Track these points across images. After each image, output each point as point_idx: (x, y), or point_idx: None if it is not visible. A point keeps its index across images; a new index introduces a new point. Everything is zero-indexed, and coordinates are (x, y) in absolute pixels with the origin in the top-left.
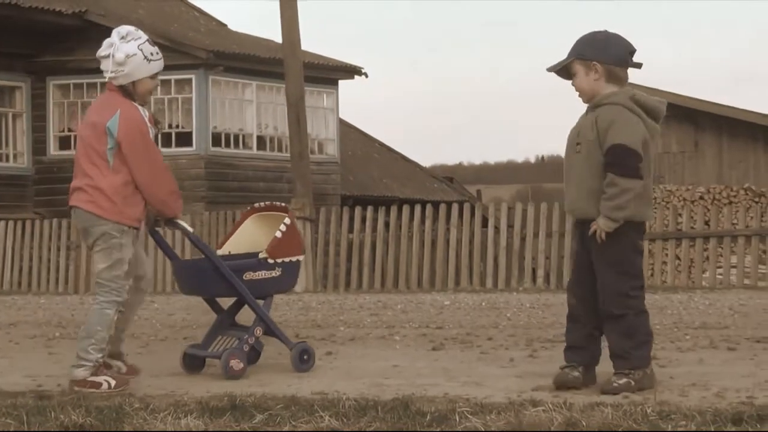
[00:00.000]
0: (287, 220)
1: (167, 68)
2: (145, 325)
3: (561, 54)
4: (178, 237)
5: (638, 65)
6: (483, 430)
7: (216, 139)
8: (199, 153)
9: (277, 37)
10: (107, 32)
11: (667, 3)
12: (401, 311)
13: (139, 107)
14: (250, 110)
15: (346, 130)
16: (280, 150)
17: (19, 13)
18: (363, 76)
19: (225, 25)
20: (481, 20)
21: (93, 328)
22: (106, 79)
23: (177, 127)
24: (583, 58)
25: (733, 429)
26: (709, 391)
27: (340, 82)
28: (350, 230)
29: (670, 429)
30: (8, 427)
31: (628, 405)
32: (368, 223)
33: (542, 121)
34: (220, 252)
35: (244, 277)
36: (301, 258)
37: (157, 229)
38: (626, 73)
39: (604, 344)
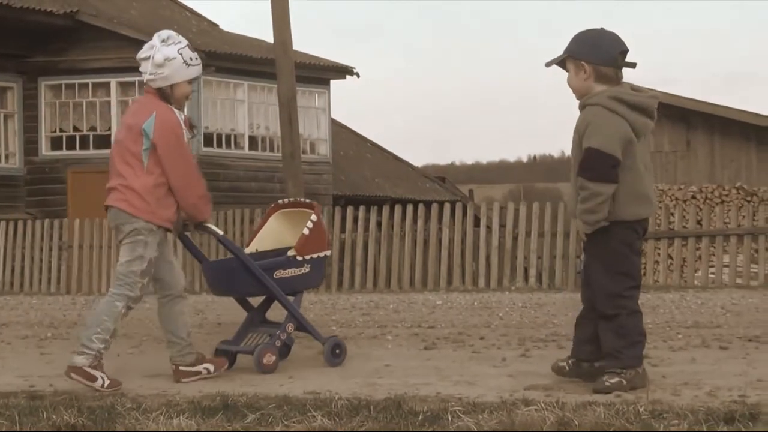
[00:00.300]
0: (314, 217)
1: None
2: (137, 325)
3: (554, 53)
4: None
5: (631, 65)
6: (475, 429)
7: (208, 139)
8: (192, 153)
9: (269, 37)
10: (99, 33)
11: (661, 3)
12: (393, 311)
13: (175, 110)
14: (242, 110)
15: (338, 129)
16: (271, 150)
17: (11, 13)
18: (355, 76)
19: (217, 26)
20: (473, 19)
21: (100, 317)
22: (145, 81)
23: None
24: (573, 57)
25: (726, 428)
26: (701, 390)
27: (332, 82)
28: (342, 230)
29: (662, 428)
30: (0, 427)
31: (620, 404)
32: (360, 222)
33: (534, 121)
34: (247, 250)
35: (274, 276)
36: (328, 253)
37: (186, 233)
38: (617, 72)
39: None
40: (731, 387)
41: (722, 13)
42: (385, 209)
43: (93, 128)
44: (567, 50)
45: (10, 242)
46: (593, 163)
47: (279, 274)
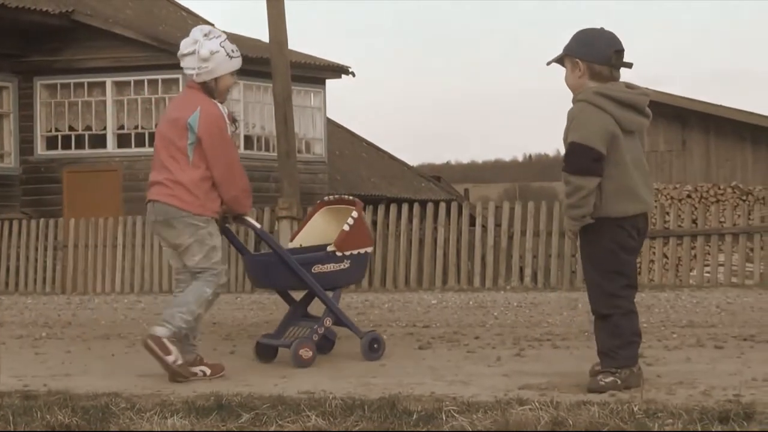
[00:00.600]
0: (355, 214)
1: (154, 68)
2: (131, 325)
3: (549, 52)
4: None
5: (626, 65)
6: (469, 429)
7: None
8: None
9: (264, 37)
10: (94, 32)
11: (656, 2)
12: (388, 310)
13: (219, 104)
14: (238, 109)
15: (334, 129)
16: (267, 149)
17: (6, 13)
18: (350, 76)
19: (212, 25)
20: (468, 19)
21: (187, 298)
22: (189, 76)
23: None
24: (569, 55)
25: (720, 427)
26: (696, 389)
27: (328, 81)
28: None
29: (656, 427)
30: None
31: (614, 403)
32: None
33: (530, 120)
34: (291, 245)
35: (313, 270)
36: (369, 250)
37: (226, 225)
38: (611, 71)
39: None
40: (726, 386)
41: (715, 11)
42: (381, 208)
43: (88, 128)
44: (565, 48)
45: (5, 242)
46: (575, 156)
47: (317, 269)
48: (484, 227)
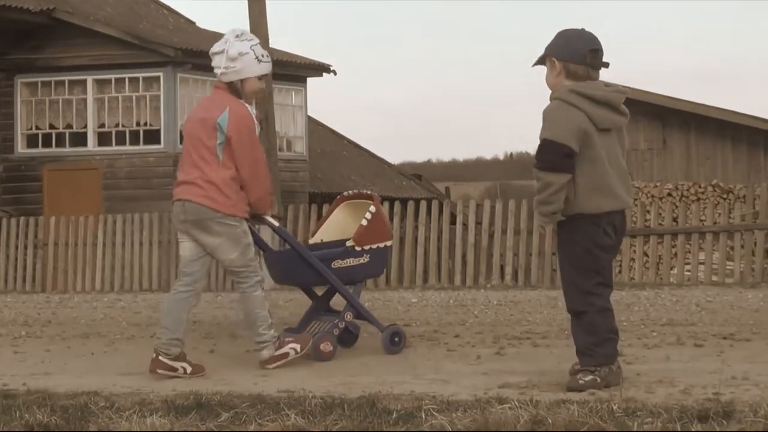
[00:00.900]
0: (372, 208)
1: (135, 66)
2: (110, 323)
3: (530, 51)
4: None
5: (602, 64)
6: (449, 428)
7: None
8: (168, 151)
9: None
10: (75, 30)
11: (636, 2)
12: (368, 308)
13: (246, 105)
14: None
15: (315, 127)
16: None
17: None
18: (332, 74)
19: (193, 23)
20: (449, 17)
21: (252, 313)
22: (217, 76)
23: (145, 125)
24: (548, 54)
25: (699, 426)
26: (675, 387)
27: (309, 79)
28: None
29: (636, 426)
30: None
31: (594, 402)
32: None
33: (511, 119)
34: (312, 241)
35: (332, 265)
36: (389, 243)
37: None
38: (588, 70)
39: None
40: (705, 385)
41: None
42: None
43: (69, 126)
44: (545, 48)
45: None
46: (546, 152)
47: (337, 264)
48: (465, 225)
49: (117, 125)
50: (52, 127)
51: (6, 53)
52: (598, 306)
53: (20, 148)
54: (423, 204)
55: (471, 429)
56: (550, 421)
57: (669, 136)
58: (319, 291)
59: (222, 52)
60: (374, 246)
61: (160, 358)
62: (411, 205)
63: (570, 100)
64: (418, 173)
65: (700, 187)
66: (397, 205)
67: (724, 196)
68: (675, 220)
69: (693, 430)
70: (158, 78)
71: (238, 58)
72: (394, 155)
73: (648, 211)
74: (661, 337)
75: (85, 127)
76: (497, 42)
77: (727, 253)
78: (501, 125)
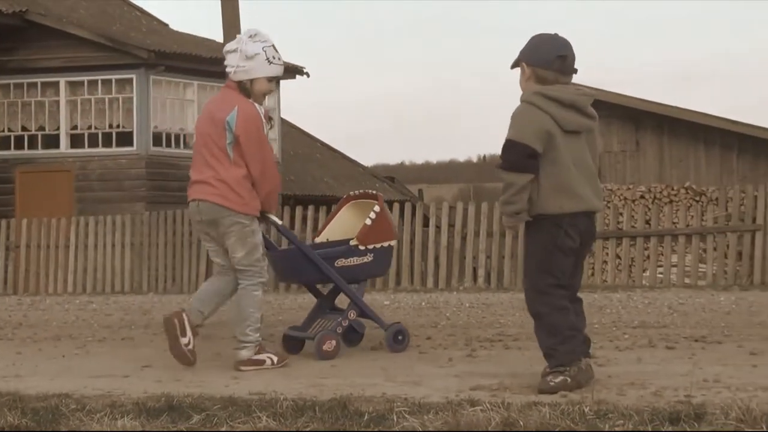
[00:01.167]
0: (377, 208)
1: (108, 68)
2: (82, 325)
3: (503, 54)
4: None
5: (572, 70)
6: (420, 430)
7: (157, 139)
8: (140, 153)
9: (219, 37)
10: (48, 32)
11: (607, 3)
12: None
13: (255, 104)
14: (192, 110)
15: (288, 129)
16: None
17: None
18: (305, 76)
19: (166, 25)
20: (424, 19)
21: (246, 311)
22: (228, 74)
23: (118, 127)
24: (519, 59)
25: (671, 428)
26: (647, 390)
27: (282, 81)
28: (291, 230)
29: (607, 428)
30: None
31: (565, 404)
32: (309, 222)
33: (484, 121)
34: (318, 239)
35: (336, 264)
36: (393, 243)
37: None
38: (555, 75)
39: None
40: (677, 387)
41: (667, 12)
42: (334, 209)
43: (42, 128)
44: (519, 52)
45: None
46: (508, 153)
47: (341, 262)
48: (438, 228)
49: (90, 127)
50: (24, 129)
51: None
52: (555, 305)
53: None
54: (396, 206)
55: (443, 431)
56: (521, 423)
57: (642, 139)
58: (325, 290)
59: (235, 51)
60: (378, 245)
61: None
62: None
63: (535, 102)
64: (391, 175)
65: (672, 189)
66: None
67: (697, 198)
68: (648, 222)
69: (664, 431)
70: (131, 80)
71: (249, 58)
72: (367, 157)
73: (621, 214)
74: (633, 340)
75: (58, 129)
76: (471, 43)
77: (700, 256)
78: (474, 128)
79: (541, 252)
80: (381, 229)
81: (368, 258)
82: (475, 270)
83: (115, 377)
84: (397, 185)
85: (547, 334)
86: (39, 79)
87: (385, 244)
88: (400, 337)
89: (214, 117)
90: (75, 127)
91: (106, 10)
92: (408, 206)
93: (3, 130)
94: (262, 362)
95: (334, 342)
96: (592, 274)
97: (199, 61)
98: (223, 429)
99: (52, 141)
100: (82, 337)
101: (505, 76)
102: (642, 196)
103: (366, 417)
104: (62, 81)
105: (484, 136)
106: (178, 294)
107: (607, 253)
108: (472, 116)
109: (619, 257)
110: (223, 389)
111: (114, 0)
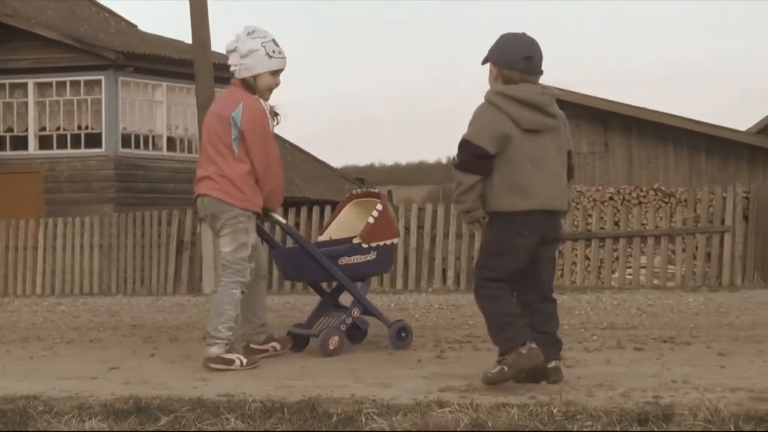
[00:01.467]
0: (379, 206)
1: (76, 69)
2: (50, 327)
3: (474, 52)
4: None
5: (535, 70)
6: (389, 431)
7: (125, 141)
8: (109, 154)
9: (188, 38)
10: (16, 33)
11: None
12: (309, 312)
13: (260, 100)
14: (160, 111)
15: None
16: (190, 151)
17: None
18: None
19: (135, 26)
20: (394, 20)
21: (222, 307)
22: (232, 73)
23: (86, 128)
24: (487, 58)
25: (639, 429)
26: (615, 391)
27: None
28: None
29: (576, 429)
30: None
31: (534, 405)
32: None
33: (454, 123)
34: (321, 238)
35: (339, 262)
36: (395, 241)
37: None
38: (521, 75)
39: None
40: (645, 388)
41: (634, 13)
42: (303, 210)
43: (10, 129)
44: (487, 51)
45: None
46: (461, 152)
47: (344, 260)
48: (407, 229)
49: (58, 129)
50: None
51: None
52: (487, 296)
53: None
54: None
55: None
56: (490, 424)
57: (611, 140)
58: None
59: (234, 50)
60: (381, 243)
61: (252, 345)
62: None
63: (495, 101)
64: (361, 177)
65: (641, 190)
66: None
67: (666, 200)
68: (617, 223)
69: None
70: (100, 81)
71: (248, 55)
72: (336, 159)
73: (590, 215)
74: (602, 341)
75: (26, 130)
76: (442, 44)
77: (669, 257)
78: (444, 129)
79: (489, 247)
80: (384, 227)
81: (371, 256)
82: (444, 271)
83: (83, 379)
84: (367, 186)
85: (489, 327)
86: (7, 81)
87: (388, 241)
88: (403, 334)
89: (220, 114)
90: (43, 129)
91: (75, 11)
92: None
93: None
94: (232, 362)
95: (337, 339)
96: (561, 276)
97: (167, 62)
98: (192, 430)
99: (21, 142)
100: (50, 339)
101: (478, 74)
102: (611, 198)
103: (335, 418)
104: (30, 82)
105: (453, 138)
106: (147, 296)
107: (576, 255)
108: (441, 117)
109: (588, 258)
110: (192, 391)
111: (82, 1)
